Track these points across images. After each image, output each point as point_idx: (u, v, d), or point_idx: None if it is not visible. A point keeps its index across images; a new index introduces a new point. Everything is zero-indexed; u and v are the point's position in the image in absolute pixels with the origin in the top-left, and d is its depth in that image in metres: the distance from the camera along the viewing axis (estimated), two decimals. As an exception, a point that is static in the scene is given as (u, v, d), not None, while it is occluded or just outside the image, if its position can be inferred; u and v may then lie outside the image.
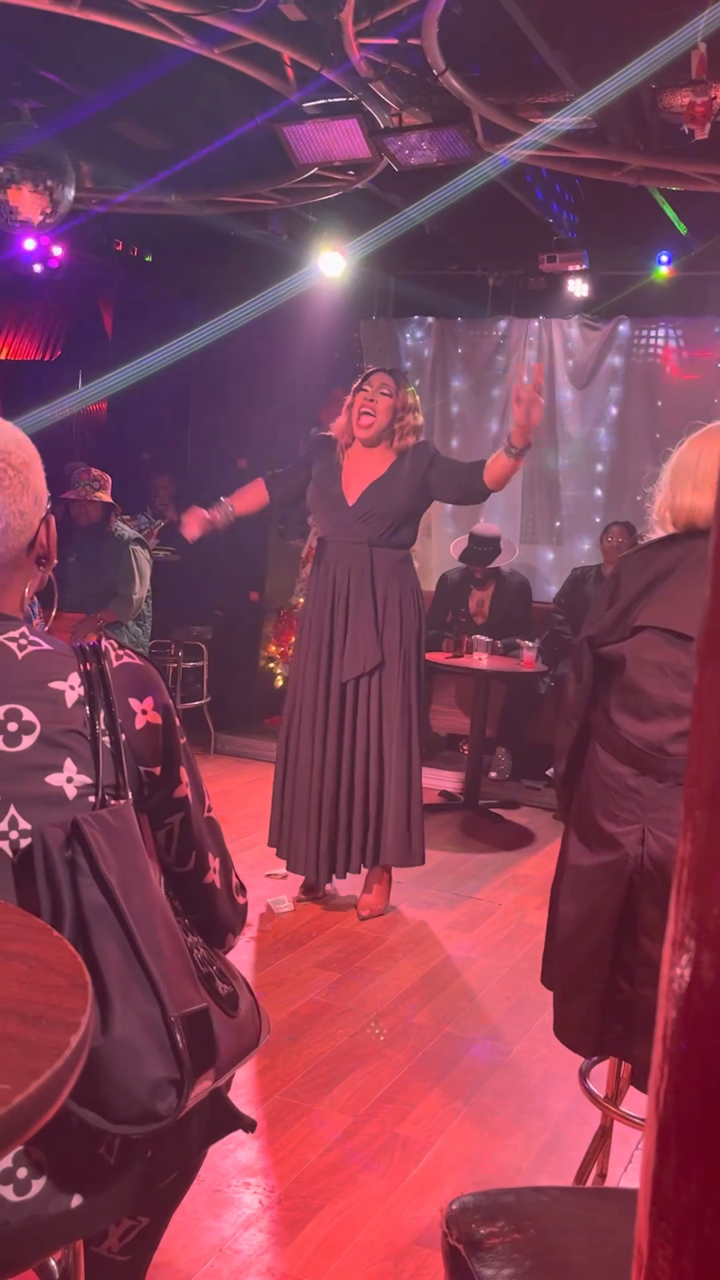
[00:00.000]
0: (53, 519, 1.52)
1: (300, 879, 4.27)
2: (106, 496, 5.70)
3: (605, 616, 2.10)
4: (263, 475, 4.39)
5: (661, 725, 1.97)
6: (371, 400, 4.00)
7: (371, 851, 4.10)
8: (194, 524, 4.13)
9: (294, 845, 4.14)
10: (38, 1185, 1.26)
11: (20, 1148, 1.24)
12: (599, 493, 7.42)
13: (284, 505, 4.48)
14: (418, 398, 4.17)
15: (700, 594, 1.76)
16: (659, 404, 7.16)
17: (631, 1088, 2.25)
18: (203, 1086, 1.36)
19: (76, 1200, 1.28)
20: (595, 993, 2.04)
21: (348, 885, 4.30)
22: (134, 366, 6.99)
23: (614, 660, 2.07)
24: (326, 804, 4.08)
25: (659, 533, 2.10)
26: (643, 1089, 2.09)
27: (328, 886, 4.31)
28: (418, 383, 7.83)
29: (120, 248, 7.26)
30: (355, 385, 4.11)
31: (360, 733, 4.06)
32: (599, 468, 7.40)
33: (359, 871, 4.17)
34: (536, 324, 7.41)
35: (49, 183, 4.97)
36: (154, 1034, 1.27)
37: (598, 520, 7.35)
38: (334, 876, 4.18)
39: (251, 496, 4.30)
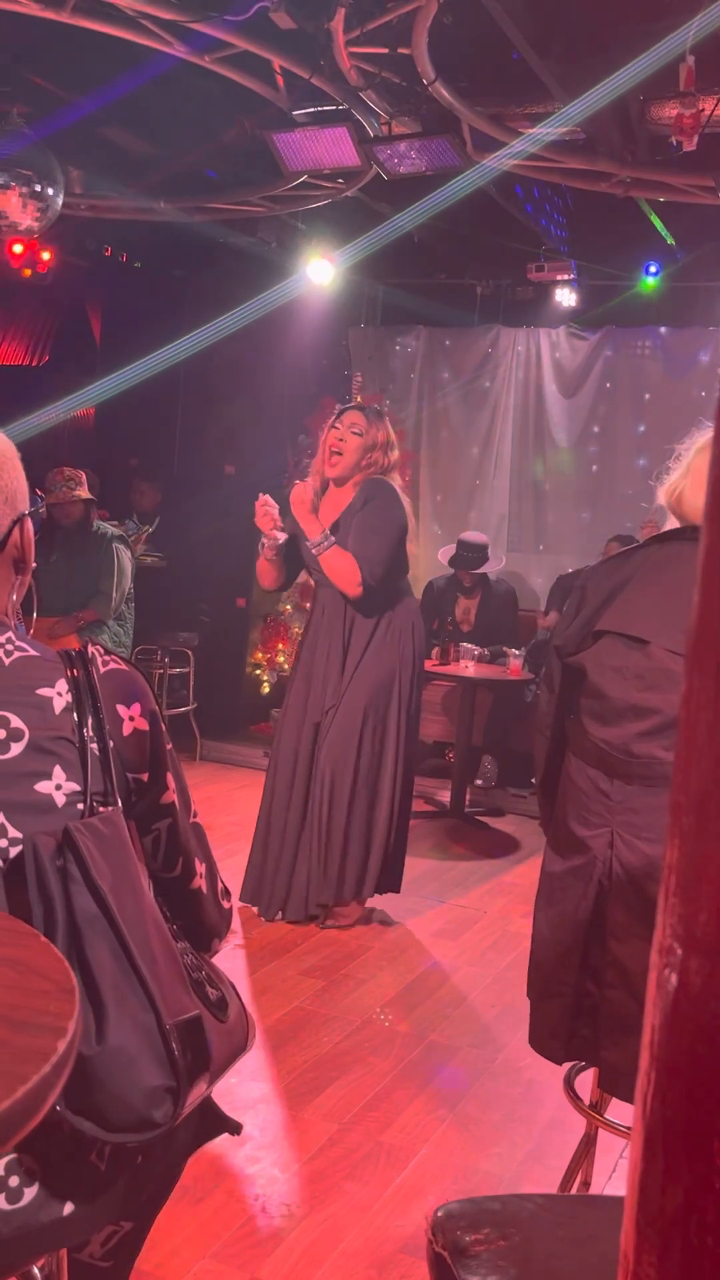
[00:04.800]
0: (29, 522, 1.49)
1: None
2: (85, 493, 5.57)
3: (571, 627, 2.14)
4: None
5: (624, 728, 2.00)
6: (342, 440, 3.92)
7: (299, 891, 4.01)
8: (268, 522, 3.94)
9: (262, 885, 4.06)
10: (30, 1193, 1.25)
11: (13, 1156, 1.24)
12: (585, 502, 7.44)
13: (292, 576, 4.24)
14: (392, 436, 4.02)
15: (654, 598, 1.78)
16: (646, 414, 7.19)
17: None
18: (197, 1093, 1.36)
19: (68, 1208, 1.28)
20: (566, 997, 2.05)
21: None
22: (122, 373, 6.98)
23: (579, 668, 2.10)
24: (288, 841, 4.01)
25: (668, 516, 2.12)
26: (610, 1093, 2.09)
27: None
28: (408, 390, 7.84)
29: (109, 253, 7.25)
30: (329, 422, 4.00)
31: (316, 773, 3.97)
32: (585, 477, 7.42)
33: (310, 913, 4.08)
34: (524, 333, 7.43)
35: (38, 188, 4.96)
36: (149, 1042, 1.27)
37: (584, 529, 7.37)
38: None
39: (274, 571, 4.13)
